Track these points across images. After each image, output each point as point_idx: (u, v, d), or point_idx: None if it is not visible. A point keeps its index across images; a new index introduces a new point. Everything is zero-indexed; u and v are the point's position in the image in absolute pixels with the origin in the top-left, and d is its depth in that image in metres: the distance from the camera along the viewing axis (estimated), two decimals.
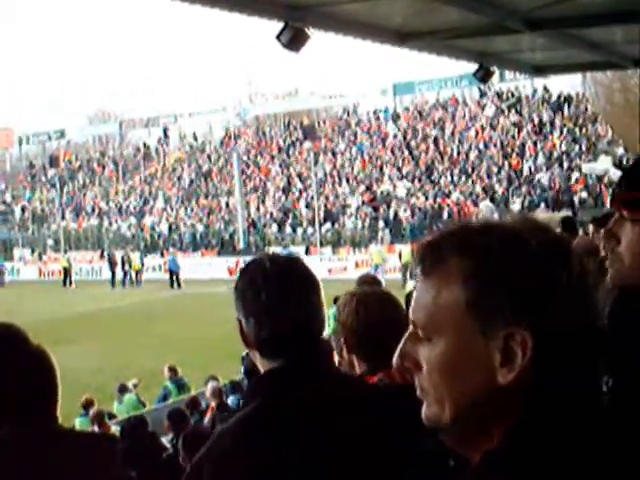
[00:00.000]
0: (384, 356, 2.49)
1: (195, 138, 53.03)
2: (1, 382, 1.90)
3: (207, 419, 9.54)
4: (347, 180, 40.19)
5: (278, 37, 8.32)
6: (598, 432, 1.04)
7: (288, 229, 37.85)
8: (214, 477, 1.75)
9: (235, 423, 1.85)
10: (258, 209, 40.62)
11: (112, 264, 36.06)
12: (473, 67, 11.50)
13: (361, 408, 1.90)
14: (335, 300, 2.91)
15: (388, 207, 36.37)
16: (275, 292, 1.86)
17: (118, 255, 36.61)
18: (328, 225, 36.69)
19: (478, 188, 34.91)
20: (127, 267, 35.76)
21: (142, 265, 36.08)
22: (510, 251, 1.06)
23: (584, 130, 36.45)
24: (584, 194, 31.54)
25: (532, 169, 34.94)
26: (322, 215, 36.85)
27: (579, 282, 1.08)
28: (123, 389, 13.06)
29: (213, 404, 9.85)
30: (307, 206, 38.80)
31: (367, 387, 2.21)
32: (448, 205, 34.28)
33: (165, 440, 8.23)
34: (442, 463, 1.18)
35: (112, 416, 11.52)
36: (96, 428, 9.37)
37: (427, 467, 1.57)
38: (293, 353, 1.86)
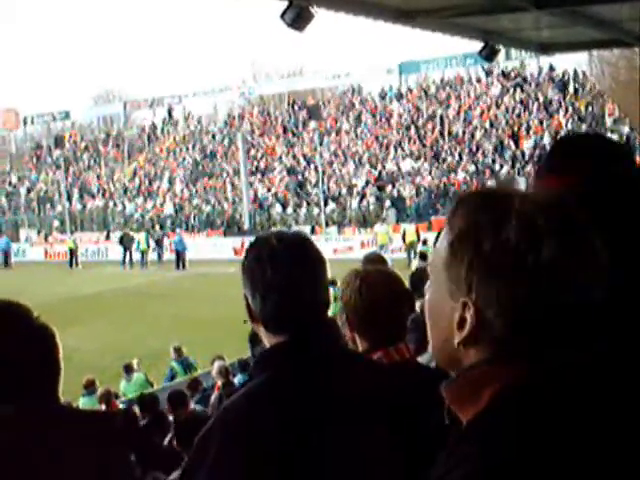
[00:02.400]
0: (385, 334, 2.51)
1: (199, 118, 52.90)
2: (5, 359, 1.91)
3: (213, 398, 9.60)
4: (352, 160, 40.11)
5: (282, 16, 8.30)
6: (584, 399, 1.06)
7: (293, 209, 37.83)
8: (220, 449, 1.77)
9: (241, 397, 1.88)
10: (263, 189, 40.59)
11: (126, 244, 36.11)
12: (479, 45, 11.45)
13: (367, 383, 1.92)
14: (333, 282, 2.93)
15: (393, 186, 36.32)
16: (282, 268, 1.87)
17: (141, 236, 36.63)
18: (333, 205, 36.66)
19: (484, 167, 34.83)
20: (139, 247, 35.88)
21: (148, 246, 36.07)
22: (487, 230, 1.09)
23: (590, 108, 36.28)
24: None
25: (538, 148, 34.81)
26: (327, 195, 36.82)
27: (557, 261, 1.06)
28: (129, 369, 13.15)
29: (219, 383, 9.91)
30: (312, 186, 38.76)
31: (373, 364, 2.23)
32: (453, 184, 34.20)
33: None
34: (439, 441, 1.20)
35: (117, 396, 11.58)
36: (104, 407, 9.45)
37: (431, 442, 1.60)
38: (298, 328, 1.87)
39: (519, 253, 1.06)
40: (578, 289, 1.07)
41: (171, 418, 8.40)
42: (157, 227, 39.60)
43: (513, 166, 34.05)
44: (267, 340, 1.93)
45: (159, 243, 36.42)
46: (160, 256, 36.06)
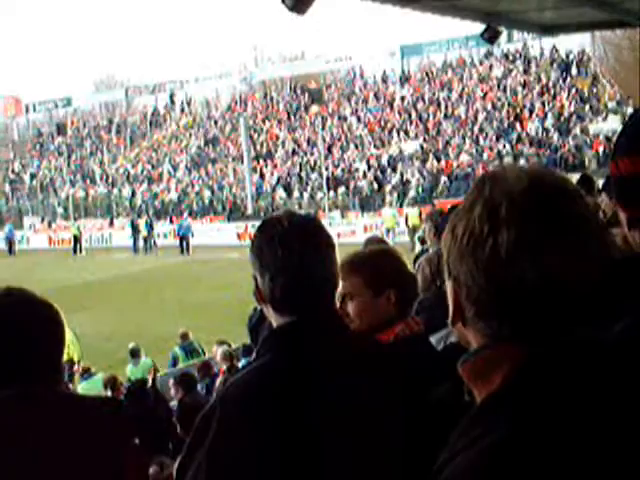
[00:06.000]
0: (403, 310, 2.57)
1: (202, 104, 52.81)
2: (10, 344, 1.92)
3: (218, 382, 9.63)
4: (355, 144, 40.02)
5: (283, 0, 8.26)
6: (594, 378, 1.06)
7: (296, 194, 37.79)
8: (222, 422, 1.78)
9: (249, 373, 1.88)
10: (266, 174, 40.53)
11: (135, 230, 36.12)
12: (481, 27, 11.40)
13: (372, 364, 1.95)
14: None
15: (395, 170, 36.24)
16: (292, 249, 1.88)
17: (141, 222, 36.64)
18: (336, 189, 36.60)
19: (487, 149, 34.73)
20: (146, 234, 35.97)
21: (148, 232, 35.96)
22: (461, 214, 1.12)
23: (593, 89, 36.12)
24: (593, 154, 31.34)
25: (541, 130, 34.69)
26: (330, 179, 36.75)
27: (514, 249, 1.06)
28: (135, 353, 13.17)
29: (224, 367, 9.93)
30: (315, 170, 38.70)
31: (376, 343, 2.25)
32: (456, 167, 34.11)
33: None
34: (453, 412, 1.21)
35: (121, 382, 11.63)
36: (109, 393, 9.46)
37: (437, 417, 1.61)
38: (306, 310, 1.88)
39: (480, 240, 1.08)
40: (539, 276, 1.06)
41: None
42: (145, 214, 39.20)
43: (516, 148, 33.93)
44: (275, 320, 1.94)
45: (150, 230, 36.23)
46: (149, 243, 35.98)
